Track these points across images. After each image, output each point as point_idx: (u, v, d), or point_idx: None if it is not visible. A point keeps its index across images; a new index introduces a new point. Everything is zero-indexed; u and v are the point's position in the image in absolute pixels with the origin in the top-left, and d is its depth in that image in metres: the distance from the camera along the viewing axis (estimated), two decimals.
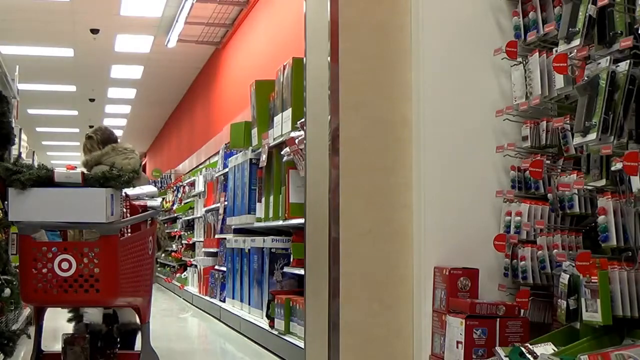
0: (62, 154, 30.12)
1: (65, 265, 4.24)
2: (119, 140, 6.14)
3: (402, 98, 4.28)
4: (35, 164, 4.98)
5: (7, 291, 6.00)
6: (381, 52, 4.30)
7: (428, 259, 4.12)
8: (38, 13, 12.43)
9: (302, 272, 5.95)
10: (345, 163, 4.25)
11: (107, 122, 22.74)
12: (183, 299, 13.31)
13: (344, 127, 4.25)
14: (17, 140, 8.13)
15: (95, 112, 21.44)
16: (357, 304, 4.20)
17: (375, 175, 4.26)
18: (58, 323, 6.17)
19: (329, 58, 4.29)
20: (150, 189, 5.73)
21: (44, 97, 18.91)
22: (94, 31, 13.31)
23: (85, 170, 5.11)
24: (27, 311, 7.48)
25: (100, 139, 6.02)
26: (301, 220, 5.39)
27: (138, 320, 4.84)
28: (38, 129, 23.31)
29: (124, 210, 4.68)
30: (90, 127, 23.59)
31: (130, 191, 4.93)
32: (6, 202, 4.38)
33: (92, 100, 19.58)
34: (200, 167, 14.35)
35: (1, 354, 5.49)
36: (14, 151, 8.29)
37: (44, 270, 4.25)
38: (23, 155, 9.75)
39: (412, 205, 4.24)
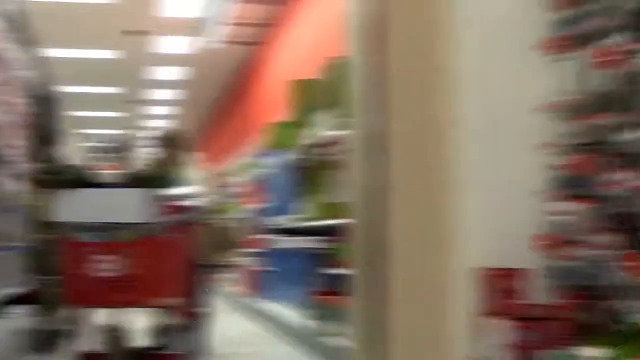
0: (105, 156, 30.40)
1: (108, 266, 4.26)
2: None
3: (450, 96, 4.22)
4: (80, 165, 5.02)
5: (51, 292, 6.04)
6: (429, 49, 4.24)
7: (477, 260, 4.07)
8: (83, 17, 12.58)
9: (345, 273, 5.92)
10: (393, 163, 4.20)
11: (152, 123, 22.95)
12: (227, 299, 13.34)
13: (391, 126, 4.20)
14: (63, 141, 8.20)
15: (140, 114, 21.65)
16: (405, 308, 4.15)
17: (424, 175, 4.20)
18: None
19: (374, 56, 4.24)
20: (192, 189, 5.75)
21: (89, 100, 19.14)
22: (137, 33, 13.42)
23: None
24: (69, 312, 7.53)
25: None
26: (343, 221, 5.36)
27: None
28: (82, 131, 23.59)
29: (166, 210, 4.69)
30: (133, 129, 23.87)
31: (172, 192, 4.95)
32: (52, 203, 4.41)
33: (136, 102, 19.76)
34: (243, 167, 14.38)
35: (43, 353, 5.54)
36: (60, 152, 8.36)
37: (88, 272, 4.27)
38: (68, 157, 9.83)
39: (461, 205, 4.18)
